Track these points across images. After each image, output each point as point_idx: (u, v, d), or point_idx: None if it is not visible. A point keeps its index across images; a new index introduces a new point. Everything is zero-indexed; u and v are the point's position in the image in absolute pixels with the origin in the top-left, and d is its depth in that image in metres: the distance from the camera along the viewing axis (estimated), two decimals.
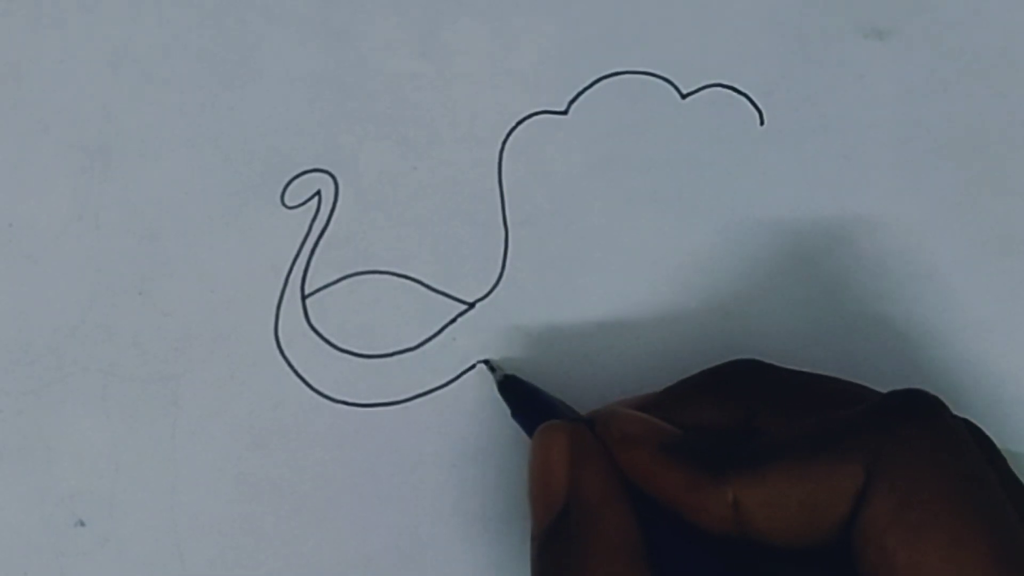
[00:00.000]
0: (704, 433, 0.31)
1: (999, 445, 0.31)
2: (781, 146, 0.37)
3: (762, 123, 0.37)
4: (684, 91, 0.37)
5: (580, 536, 0.29)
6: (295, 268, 0.36)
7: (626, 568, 0.28)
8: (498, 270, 0.36)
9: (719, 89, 0.37)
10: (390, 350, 0.36)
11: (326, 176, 0.36)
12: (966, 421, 0.30)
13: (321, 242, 0.36)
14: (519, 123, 0.37)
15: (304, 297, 0.36)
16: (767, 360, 0.32)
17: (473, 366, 0.36)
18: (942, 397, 0.29)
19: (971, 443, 0.28)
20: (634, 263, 0.36)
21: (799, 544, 0.28)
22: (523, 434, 0.34)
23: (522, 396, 0.34)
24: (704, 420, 0.31)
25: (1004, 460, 0.30)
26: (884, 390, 0.34)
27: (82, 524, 0.35)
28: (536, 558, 0.30)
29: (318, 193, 0.36)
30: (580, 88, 0.37)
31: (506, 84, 0.37)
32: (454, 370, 0.36)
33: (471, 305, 0.36)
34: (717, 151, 0.37)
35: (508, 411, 0.34)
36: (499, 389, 0.34)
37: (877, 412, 0.28)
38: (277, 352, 0.35)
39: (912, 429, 0.28)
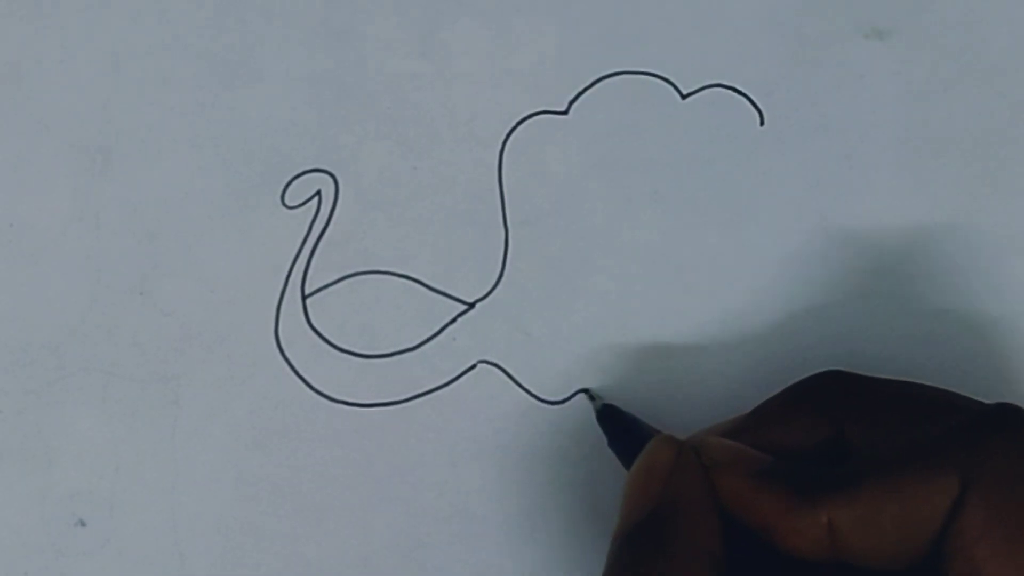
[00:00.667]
0: (794, 456, 0.31)
1: None
2: (781, 146, 0.37)
3: (762, 123, 0.37)
4: (684, 91, 0.37)
5: (666, 539, 0.29)
6: (295, 268, 0.36)
7: None
8: (498, 270, 0.36)
9: (719, 89, 0.37)
10: (390, 350, 0.36)
11: (326, 176, 0.36)
12: None
13: (321, 242, 0.36)
14: (519, 123, 0.37)
15: (304, 297, 0.36)
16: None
17: (473, 366, 0.36)
18: None
19: None
20: (634, 263, 0.36)
21: (889, 564, 0.28)
22: (523, 435, 0.34)
23: (620, 425, 0.34)
24: (793, 438, 0.31)
25: None
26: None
27: (82, 524, 0.35)
28: (615, 553, 0.30)
29: (318, 193, 0.36)
30: (580, 88, 0.37)
31: (506, 84, 0.37)
32: (454, 370, 0.36)
33: (471, 305, 0.36)
34: (717, 151, 0.37)
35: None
36: (597, 418, 0.34)
37: (970, 425, 0.29)
38: (277, 352, 0.36)
39: (1005, 442, 0.28)
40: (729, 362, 0.36)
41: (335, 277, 0.36)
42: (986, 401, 0.30)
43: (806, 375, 0.32)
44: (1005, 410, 0.29)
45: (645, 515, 0.29)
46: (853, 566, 0.29)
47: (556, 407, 0.36)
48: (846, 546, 0.28)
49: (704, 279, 0.36)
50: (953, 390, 0.31)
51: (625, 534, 0.30)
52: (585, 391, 0.35)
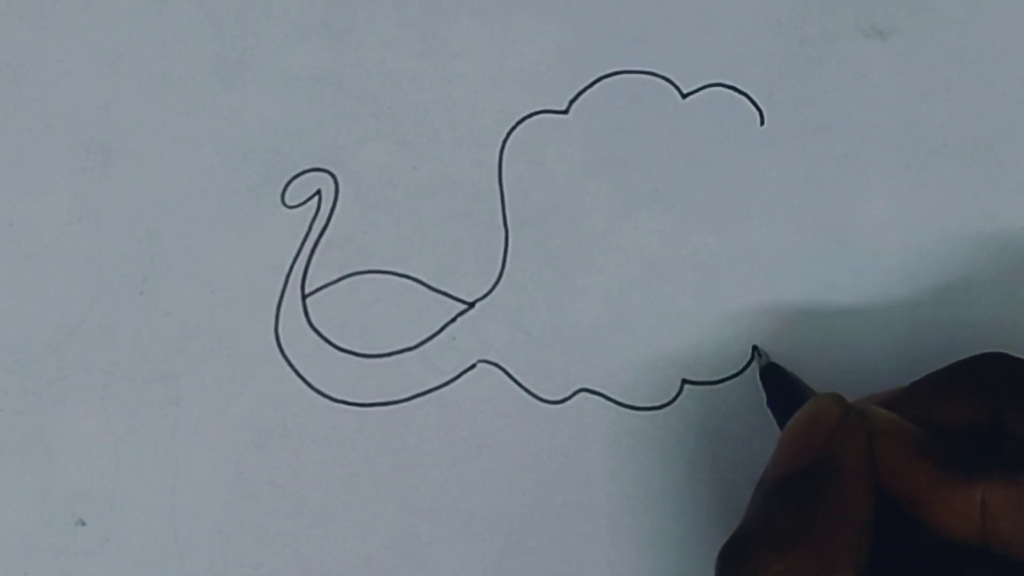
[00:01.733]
0: (951, 433, 0.30)
1: None
2: (781, 146, 0.37)
3: (762, 123, 0.37)
4: (684, 91, 0.37)
5: (820, 494, 0.29)
6: (295, 268, 0.36)
7: (848, 539, 0.28)
8: (498, 270, 0.36)
9: (719, 89, 0.37)
10: (390, 350, 0.36)
11: (326, 176, 0.36)
12: None
13: (321, 242, 0.36)
14: (519, 123, 0.37)
15: (304, 297, 0.36)
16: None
17: (473, 366, 0.36)
18: None
19: None
20: (634, 263, 0.36)
21: None
22: (523, 435, 0.34)
23: (782, 385, 0.34)
24: (950, 416, 0.31)
25: None
26: None
27: (82, 524, 0.35)
28: (761, 500, 0.29)
29: (318, 193, 0.36)
30: (580, 88, 0.37)
31: (506, 84, 0.37)
32: (454, 370, 0.36)
33: (471, 305, 0.36)
34: (717, 151, 0.37)
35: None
36: (760, 375, 0.34)
37: None
38: (277, 352, 0.36)
39: None
40: (729, 362, 0.36)
41: (335, 277, 0.36)
42: None
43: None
44: None
45: (802, 466, 0.29)
46: (992, 554, 0.28)
47: (556, 407, 0.36)
48: (995, 529, 0.28)
49: (704, 279, 0.36)
50: None
51: (777, 481, 0.29)
52: (755, 348, 0.35)
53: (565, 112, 0.37)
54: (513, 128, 0.37)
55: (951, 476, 0.28)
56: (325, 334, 0.36)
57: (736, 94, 0.37)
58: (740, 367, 0.36)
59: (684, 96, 0.37)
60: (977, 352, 0.35)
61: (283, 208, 0.36)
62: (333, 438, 0.35)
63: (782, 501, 0.29)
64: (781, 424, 0.32)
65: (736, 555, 0.28)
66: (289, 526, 0.35)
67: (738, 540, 0.28)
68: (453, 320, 0.36)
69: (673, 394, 0.36)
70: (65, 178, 0.36)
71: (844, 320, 0.36)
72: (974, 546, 0.28)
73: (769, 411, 0.33)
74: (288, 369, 0.35)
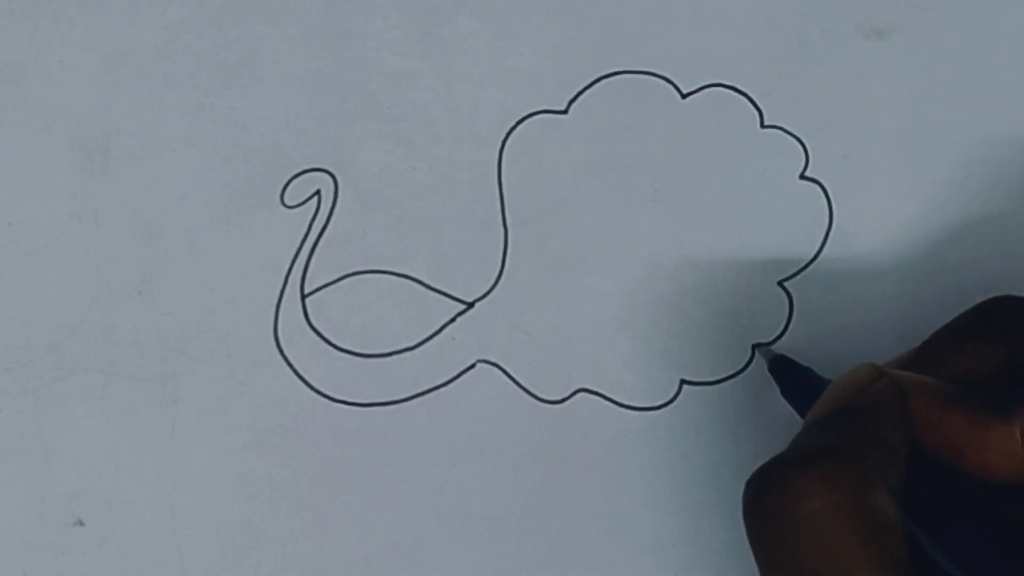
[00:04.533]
0: (973, 382, 0.30)
1: None
2: (781, 146, 0.37)
3: (762, 123, 0.37)
4: (684, 91, 0.37)
5: (854, 424, 0.28)
6: (295, 267, 0.36)
7: (882, 457, 0.28)
8: (498, 270, 0.36)
9: (719, 89, 0.37)
10: (389, 350, 0.36)
11: (326, 176, 0.36)
12: None
13: (321, 242, 0.36)
14: (519, 123, 0.37)
15: (304, 296, 0.36)
16: None
17: (473, 366, 0.36)
18: None
19: None
20: (634, 263, 0.36)
21: None
22: (522, 435, 0.34)
23: (793, 376, 0.34)
24: (968, 366, 0.31)
25: None
26: None
27: (81, 524, 0.35)
28: (802, 432, 0.29)
29: (318, 193, 0.36)
30: (580, 88, 0.37)
31: (506, 84, 0.37)
32: (454, 370, 0.36)
33: (471, 305, 0.36)
34: (717, 151, 0.37)
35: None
36: (769, 369, 0.34)
37: None
38: (277, 352, 0.35)
39: None
40: (728, 362, 0.36)
41: (335, 276, 0.36)
42: None
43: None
44: None
45: (841, 406, 0.29)
46: None
47: (555, 407, 0.36)
48: None
49: (704, 279, 0.36)
50: None
51: (812, 419, 0.29)
52: (757, 345, 0.35)
53: (565, 112, 0.37)
54: (513, 128, 0.37)
55: (987, 418, 0.29)
56: (325, 334, 0.36)
57: (736, 94, 0.37)
58: (739, 367, 0.36)
59: (684, 96, 0.37)
60: None
61: (282, 208, 0.36)
62: (333, 438, 0.35)
63: (816, 431, 0.29)
64: (801, 411, 0.32)
65: (765, 475, 0.27)
66: (288, 526, 0.35)
67: (768, 464, 0.28)
68: (452, 320, 0.36)
69: (672, 394, 0.36)
70: (64, 178, 0.36)
71: (844, 320, 0.36)
72: (1021, 483, 0.29)
73: (786, 402, 0.33)
74: (287, 369, 0.35)
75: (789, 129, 0.37)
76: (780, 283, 0.36)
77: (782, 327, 0.36)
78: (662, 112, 0.37)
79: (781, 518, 0.27)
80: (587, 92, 0.37)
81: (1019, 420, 0.28)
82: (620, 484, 0.35)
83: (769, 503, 0.27)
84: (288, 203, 0.36)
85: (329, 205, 0.36)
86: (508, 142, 0.36)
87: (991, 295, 0.36)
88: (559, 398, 0.36)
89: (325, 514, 0.35)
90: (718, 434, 0.35)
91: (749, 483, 0.28)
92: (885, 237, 0.36)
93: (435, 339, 0.36)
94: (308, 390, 0.35)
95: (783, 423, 0.35)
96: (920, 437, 0.29)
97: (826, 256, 0.36)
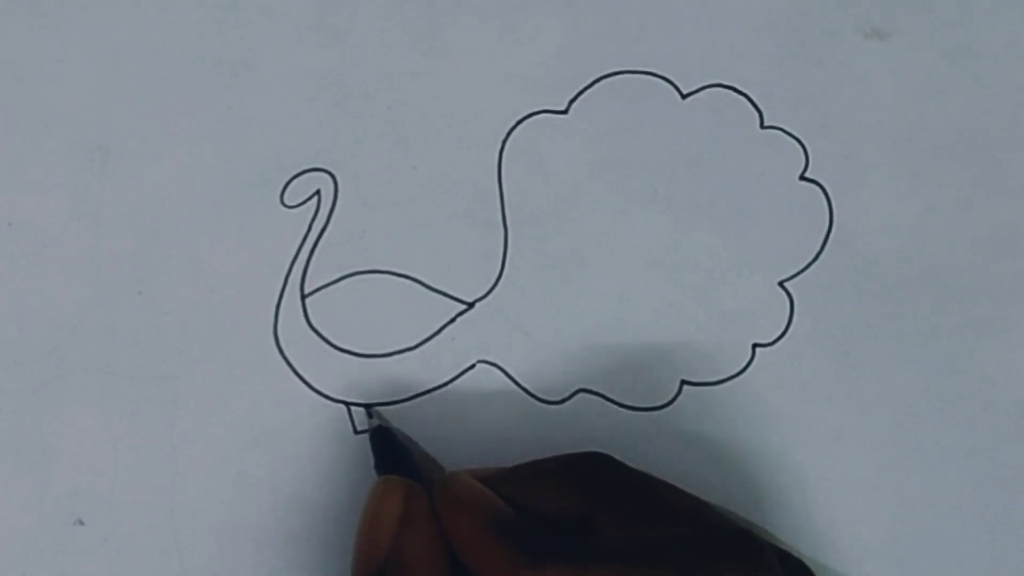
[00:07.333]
0: (538, 520, 0.31)
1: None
2: (781, 146, 0.37)
3: (762, 123, 0.37)
4: (684, 91, 0.37)
5: None
6: (295, 268, 0.36)
7: None
8: (498, 270, 0.36)
9: (719, 89, 0.37)
10: (389, 349, 0.36)
11: (326, 175, 0.36)
12: (801, 564, 0.31)
13: (321, 242, 0.36)
14: (519, 123, 0.37)
15: (304, 297, 0.36)
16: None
17: (473, 366, 0.36)
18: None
19: None
20: (634, 263, 0.36)
21: None
22: (522, 435, 0.34)
23: (388, 450, 0.34)
24: (546, 505, 0.31)
25: None
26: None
27: (81, 523, 0.35)
28: None
29: (318, 193, 0.36)
30: (580, 88, 0.37)
31: (506, 84, 0.37)
32: (454, 370, 0.36)
33: (471, 305, 0.36)
34: (717, 151, 0.37)
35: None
36: (370, 438, 0.34)
37: (709, 543, 0.29)
38: (277, 352, 0.35)
39: (736, 569, 0.29)
40: (728, 363, 0.36)
41: (334, 276, 0.36)
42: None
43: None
44: (745, 538, 0.30)
45: (375, 568, 0.30)
46: None
47: (555, 407, 0.36)
48: None
49: (704, 279, 0.36)
50: (700, 504, 0.32)
51: None
52: (366, 407, 0.35)
53: (565, 112, 0.37)
54: (513, 128, 0.37)
55: (522, 562, 0.29)
56: (324, 334, 0.36)
57: (736, 94, 0.37)
58: (739, 368, 0.36)
59: (684, 96, 0.37)
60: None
61: (282, 208, 0.36)
62: (333, 438, 0.35)
63: None
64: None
65: None
66: (288, 526, 0.35)
67: None
68: (453, 320, 0.36)
69: (672, 394, 0.36)
70: (64, 178, 0.36)
71: (844, 320, 0.36)
72: None
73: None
74: (287, 369, 0.35)
75: (789, 130, 0.37)
76: (780, 283, 0.36)
77: (782, 327, 0.36)
78: (662, 112, 0.37)
79: None
80: (587, 92, 0.37)
81: (548, 571, 0.28)
82: None
83: None
84: (288, 203, 0.36)
85: (329, 205, 0.36)
86: (508, 142, 0.36)
87: (991, 295, 0.36)
88: (559, 398, 0.36)
89: (325, 514, 0.35)
90: (717, 434, 0.36)
91: None
92: (885, 237, 0.36)
93: (435, 339, 0.36)
94: (308, 390, 0.35)
95: (783, 423, 0.35)
96: (460, 557, 0.30)
97: (826, 256, 0.36)
